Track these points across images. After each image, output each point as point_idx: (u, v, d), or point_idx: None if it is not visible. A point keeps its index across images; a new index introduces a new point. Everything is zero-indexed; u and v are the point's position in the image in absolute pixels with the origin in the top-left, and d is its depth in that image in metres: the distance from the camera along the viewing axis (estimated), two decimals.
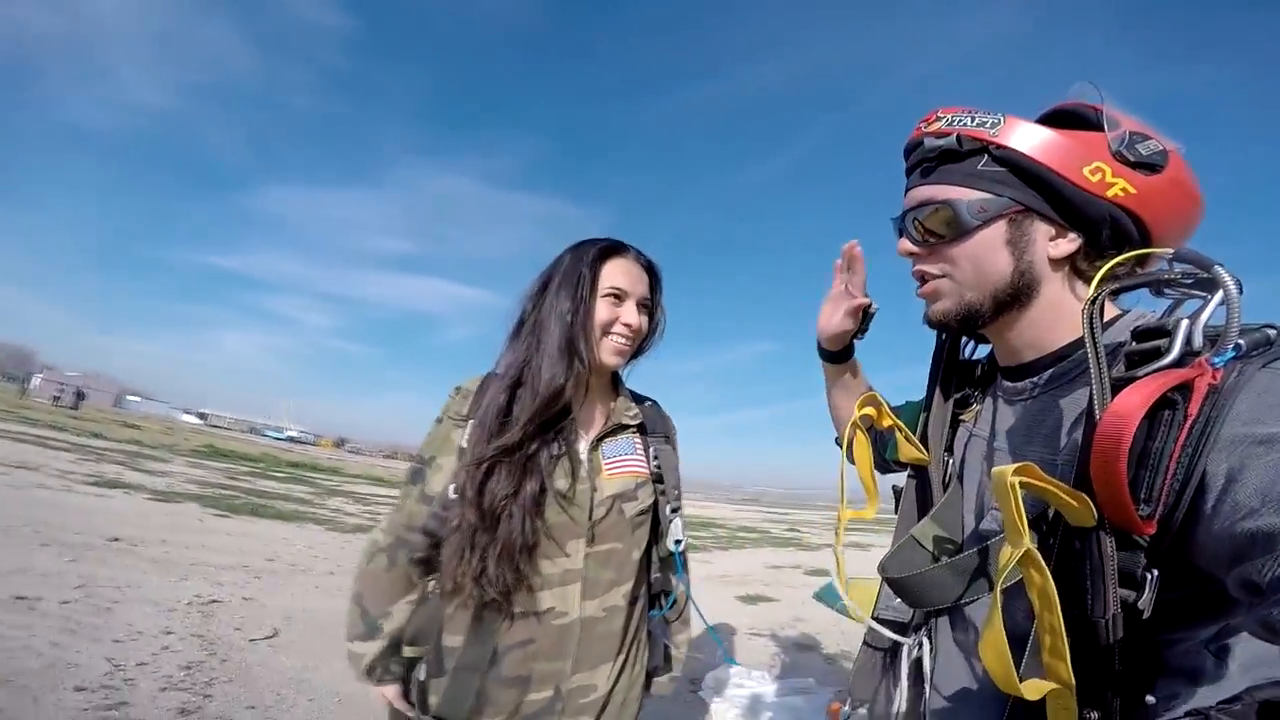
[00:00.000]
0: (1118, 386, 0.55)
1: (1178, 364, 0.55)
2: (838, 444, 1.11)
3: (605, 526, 1.22)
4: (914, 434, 0.88)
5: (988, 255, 0.72)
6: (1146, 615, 0.53)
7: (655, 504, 1.31)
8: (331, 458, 41.46)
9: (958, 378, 0.90)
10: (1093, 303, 0.61)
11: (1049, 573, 0.53)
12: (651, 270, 1.31)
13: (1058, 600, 0.52)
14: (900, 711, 0.80)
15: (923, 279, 0.79)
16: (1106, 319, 0.71)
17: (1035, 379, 0.75)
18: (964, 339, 0.91)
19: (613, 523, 1.23)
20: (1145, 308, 0.73)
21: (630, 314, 1.23)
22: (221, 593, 4.35)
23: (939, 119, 0.75)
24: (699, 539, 12.98)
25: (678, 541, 1.32)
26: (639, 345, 1.31)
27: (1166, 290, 0.64)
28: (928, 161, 0.76)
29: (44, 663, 2.69)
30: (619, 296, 1.23)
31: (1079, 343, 0.71)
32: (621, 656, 1.25)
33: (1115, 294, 0.68)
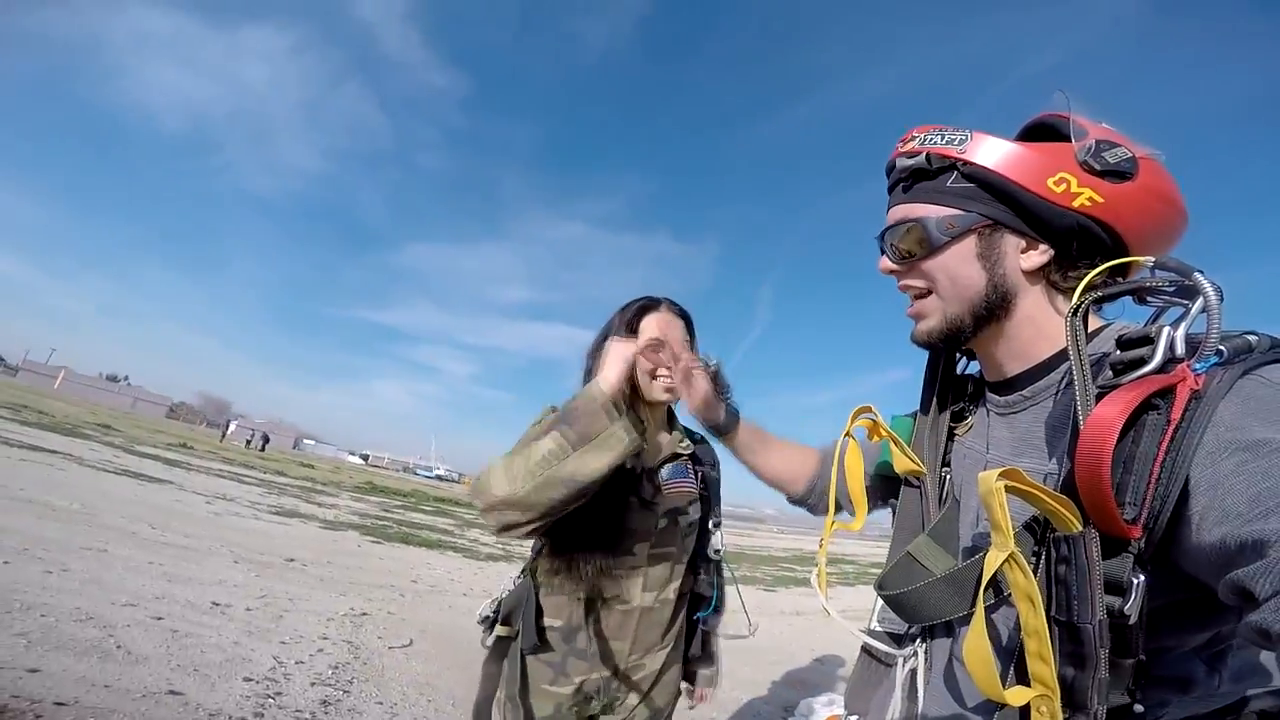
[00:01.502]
0: (1102, 394, 0.55)
1: (1160, 371, 0.55)
2: (796, 503, 1.24)
3: (665, 534, 1.43)
4: (909, 447, 0.88)
5: (960, 269, 0.73)
6: (1133, 621, 0.52)
7: (704, 518, 1.53)
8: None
9: (952, 392, 0.89)
10: (1074, 313, 0.61)
11: (1034, 576, 0.53)
12: (685, 316, 1.47)
13: (1042, 604, 0.52)
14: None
15: (911, 296, 0.80)
16: (1090, 329, 0.70)
17: (1023, 392, 0.74)
18: (956, 354, 0.91)
19: (670, 531, 1.44)
20: (1130, 319, 0.71)
21: (669, 355, 1.37)
22: (371, 607, 4.81)
23: (912, 138, 0.75)
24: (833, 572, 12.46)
25: (717, 551, 1.54)
26: None
27: (1149, 299, 0.64)
28: (903, 181, 0.77)
29: (225, 657, 3.15)
30: (657, 346, 1.38)
31: (1062, 354, 0.71)
32: (671, 643, 1.48)
33: (1098, 303, 0.68)
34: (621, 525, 1.37)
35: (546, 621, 1.40)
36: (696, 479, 1.53)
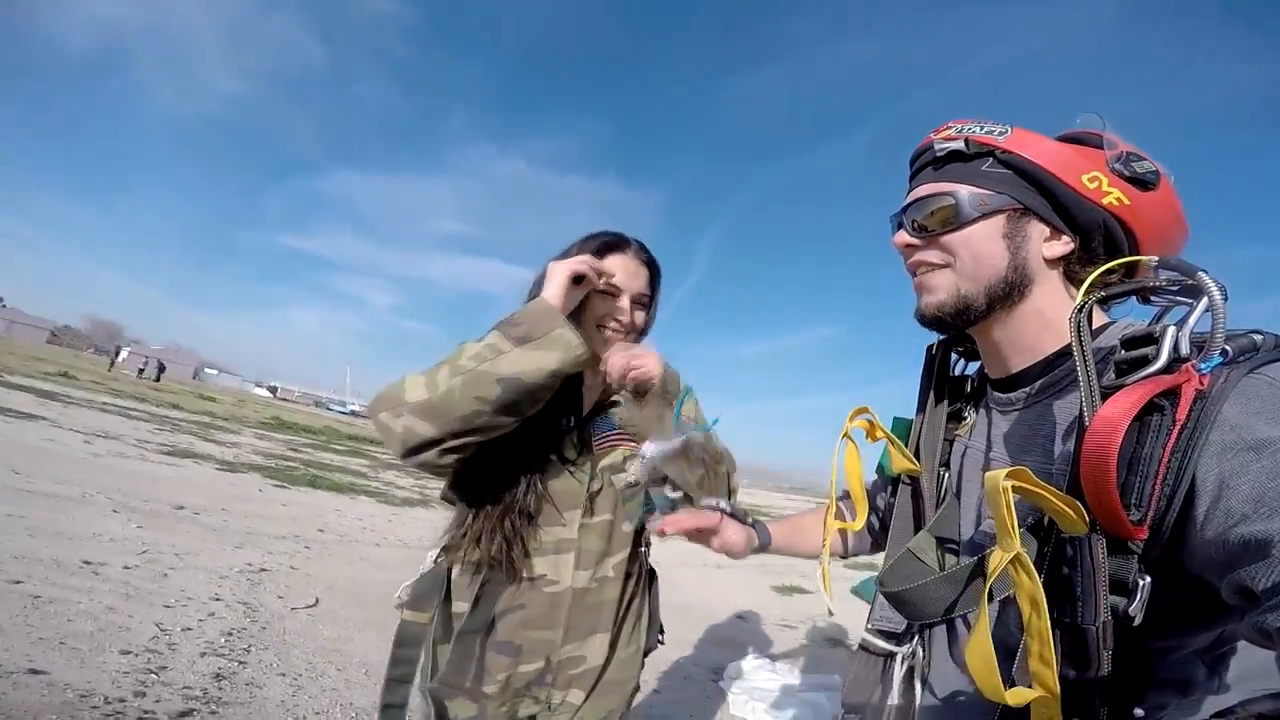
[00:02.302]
0: (1107, 394, 0.55)
1: (1165, 370, 0.55)
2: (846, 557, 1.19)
3: (597, 499, 1.22)
4: (907, 448, 0.90)
5: (984, 246, 0.73)
6: (1138, 622, 0.52)
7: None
8: None
9: (949, 393, 0.90)
10: (1080, 309, 0.61)
11: (1038, 578, 0.53)
12: (652, 266, 1.29)
13: (1046, 605, 0.52)
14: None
15: (916, 271, 0.80)
16: (1095, 326, 0.70)
17: (1027, 389, 0.75)
18: (954, 356, 0.92)
19: (604, 496, 1.23)
20: (1138, 317, 0.72)
21: (624, 310, 1.23)
22: (271, 561, 4.49)
23: (950, 128, 0.77)
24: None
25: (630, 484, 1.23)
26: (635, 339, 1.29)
27: (1153, 298, 0.65)
28: (934, 162, 0.78)
29: (97, 626, 2.79)
30: (613, 293, 1.22)
31: (1067, 350, 0.71)
32: (613, 630, 1.24)
33: (1103, 301, 0.69)
34: (542, 489, 1.19)
35: (456, 607, 1.20)
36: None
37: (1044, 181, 0.71)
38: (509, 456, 1.15)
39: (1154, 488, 0.52)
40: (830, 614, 0.93)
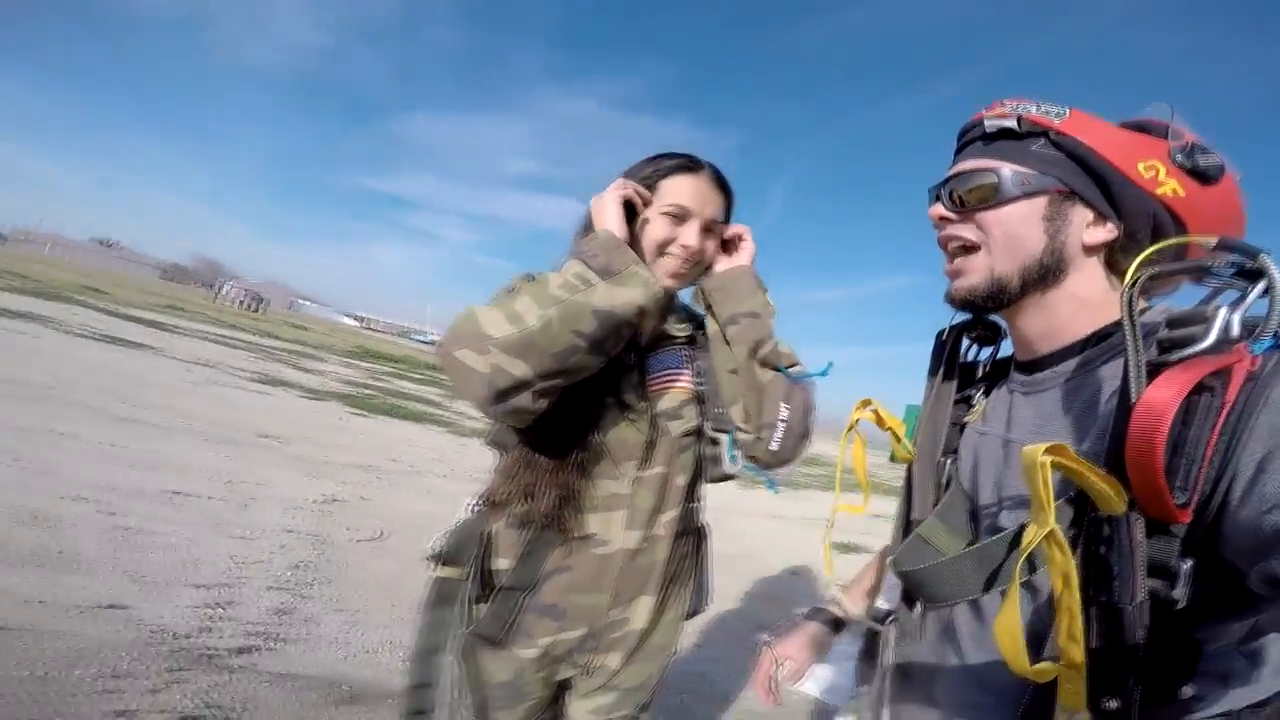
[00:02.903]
0: (1152, 372, 0.54)
1: (1214, 351, 0.53)
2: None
3: (653, 450, 1.12)
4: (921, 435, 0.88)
5: (1022, 226, 0.72)
6: (1181, 605, 0.52)
7: (700, 427, 1.18)
8: None
9: (959, 380, 0.87)
10: (1133, 285, 0.59)
11: (1071, 554, 0.51)
12: (728, 193, 1.16)
13: (1077, 581, 0.51)
14: (885, 699, 0.82)
15: (951, 250, 0.78)
16: (1138, 307, 0.65)
17: (1054, 369, 0.73)
18: (965, 342, 0.89)
19: (660, 445, 1.12)
20: (1172, 305, 0.70)
21: (690, 235, 1.10)
22: (344, 491, 4.69)
23: (1005, 105, 0.74)
24: (801, 476, 12.80)
25: (734, 461, 1.16)
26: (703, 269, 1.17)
27: (1207, 279, 0.61)
28: (985, 138, 0.76)
29: (175, 558, 2.96)
30: (680, 216, 1.10)
31: (1099, 335, 0.70)
32: (660, 594, 1.15)
33: (1152, 280, 0.63)
34: (601, 439, 1.08)
35: (499, 563, 1.11)
36: (690, 369, 1.19)
37: (1096, 166, 0.69)
38: (570, 401, 1.03)
39: (1200, 471, 0.51)
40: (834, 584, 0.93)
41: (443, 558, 1.13)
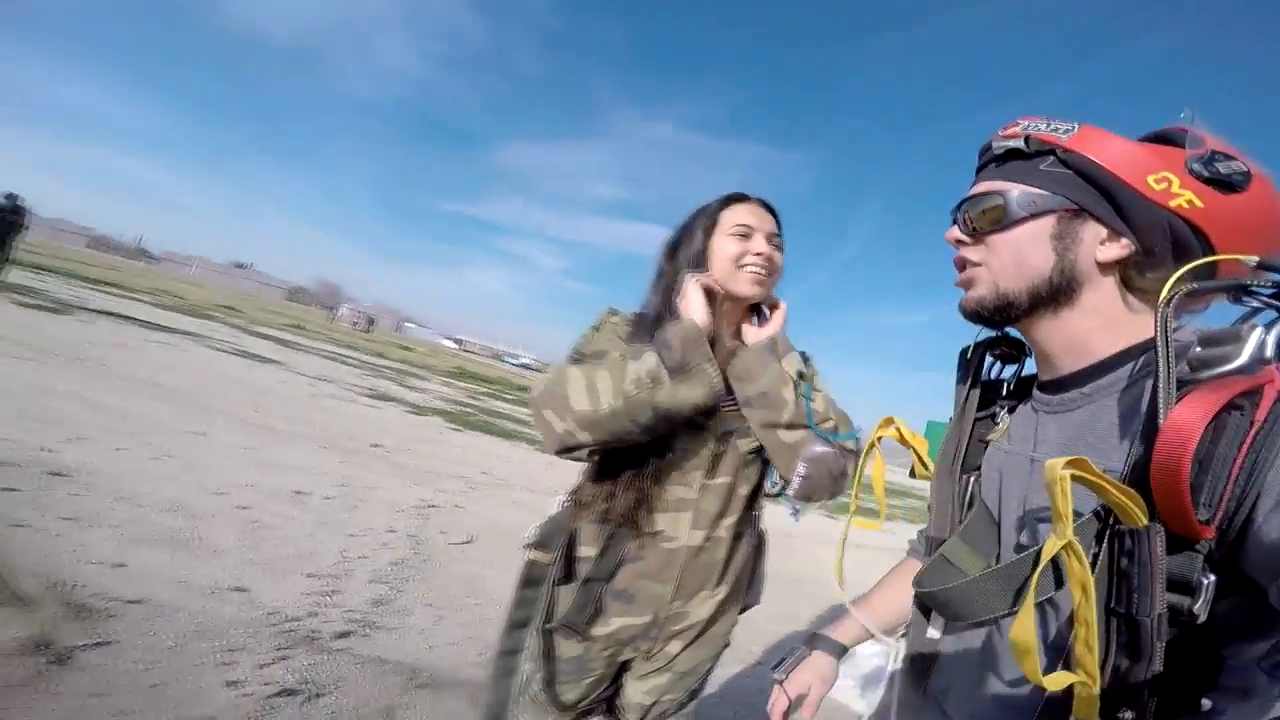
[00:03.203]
0: (1182, 390, 0.54)
1: (1245, 371, 0.53)
2: None
3: (719, 461, 1.23)
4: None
5: (1028, 246, 0.71)
6: (1202, 620, 0.51)
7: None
8: None
9: (982, 398, 0.87)
10: (1167, 302, 0.58)
11: (1088, 567, 0.52)
12: (774, 212, 1.29)
13: (1094, 592, 0.52)
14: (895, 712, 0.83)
15: (961, 266, 0.79)
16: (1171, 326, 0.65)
17: (1082, 389, 0.71)
18: (989, 360, 0.89)
19: (725, 458, 1.23)
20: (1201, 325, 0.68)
21: (759, 243, 1.23)
22: (440, 499, 4.98)
23: (1017, 125, 0.74)
24: (893, 509, 12.29)
25: (775, 484, 1.29)
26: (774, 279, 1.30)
27: (1244, 298, 0.60)
28: (995, 160, 0.76)
29: (295, 550, 3.27)
30: (745, 234, 1.23)
31: (1126, 354, 0.69)
32: (722, 590, 1.27)
33: (1189, 297, 0.62)
34: (671, 449, 1.21)
35: (582, 551, 1.26)
36: None
37: (1103, 182, 0.67)
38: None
39: (1225, 489, 0.51)
40: (848, 609, 0.96)
41: (536, 544, 1.29)
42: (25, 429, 3.90)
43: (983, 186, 0.76)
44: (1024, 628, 0.53)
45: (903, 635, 0.84)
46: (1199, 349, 0.57)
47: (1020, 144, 0.73)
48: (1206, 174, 0.64)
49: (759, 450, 1.25)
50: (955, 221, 0.79)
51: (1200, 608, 0.51)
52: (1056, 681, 0.52)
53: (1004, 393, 0.87)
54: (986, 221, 0.74)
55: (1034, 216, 0.71)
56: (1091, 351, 0.71)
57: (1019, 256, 0.72)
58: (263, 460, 4.72)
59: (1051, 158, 0.71)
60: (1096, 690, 0.52)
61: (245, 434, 5.34)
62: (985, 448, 0.84)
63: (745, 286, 1.22)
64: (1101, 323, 0.71)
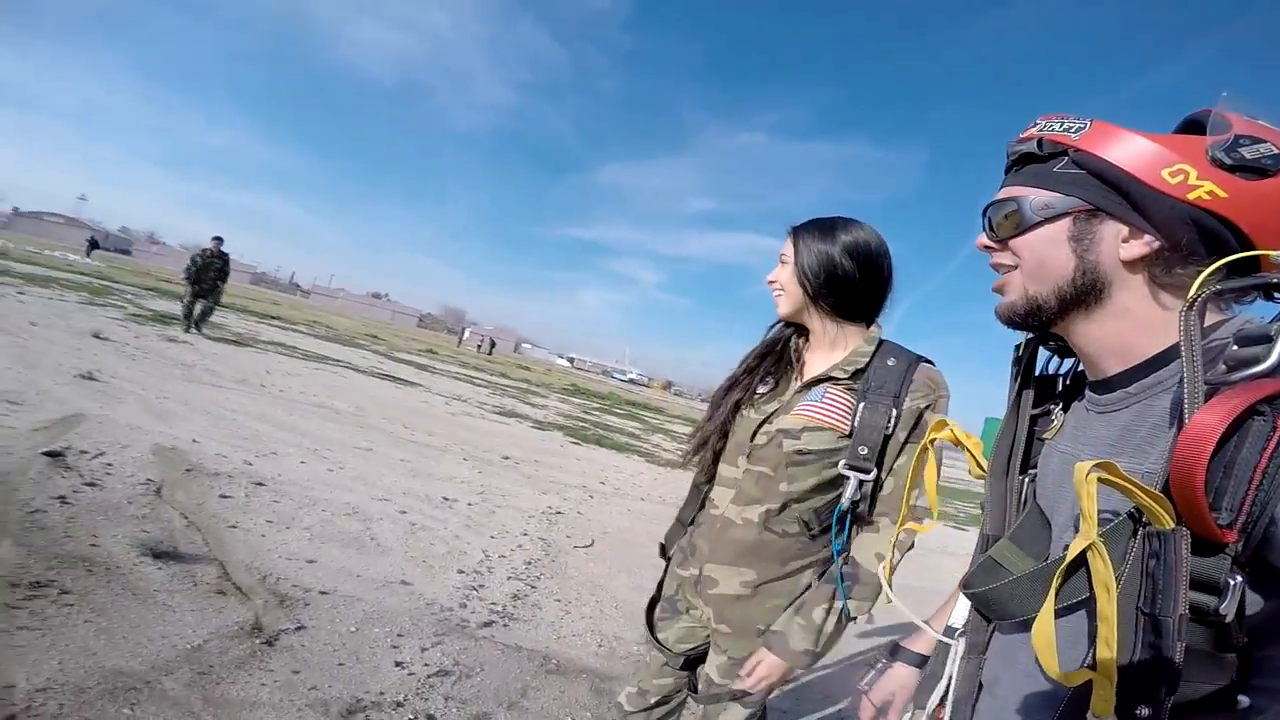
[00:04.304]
0: (1214, 392, 0.52)
1: (1274, 374, 0.51)
2: None
3: (764, 452, 1.31)
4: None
5: (1048, 250, 0.69)
6: (1228, 620, 0.50)
7: (816, 451, 1.26)
8: (660, 399, 45.67)
9: (1037, 393, 0.83)
10: (1190, 307, 0.56)
11: (1112, 566, 0.52)
12: (794, 231, 1.38)
13: (1115, 591, 0.51)
14: (947, 713, 0.81)
15: (997, 272, 0.77)
16: (1208, 323, 0.63)
17: (1127, 389, 0.68)
18: (1045, 353, 0.85)
19: (770, 451, 1.30)
20: (1256, 316, 0.64)
21: (772, 273, 1.40)
22: (565, 506, 5.27)
23: (1034, 126, 0.72)
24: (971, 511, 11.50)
25: (855, 501, 1.22)
26: (839, 299, 1.32)
27: (1277, 295, 0.59)
28: (1015, 165, 0.74)
29: (447, 549, 3.62)
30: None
31: (1169, 353, 0.65)
32: (749, 573, 1.29)
33: (1220, 297, 0.61)
34: (729, 423, 1.40)
35: (685, 508, 1.51)
36: (842, 408, 1.25)
37: (1116, 180, 0.64)
38: (725, 398, 1.42)
39: (1248, 494, 0.50)
40: (889, 601, 0.96)
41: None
42: (234, 446, 4.54)
43: (1002, 193, 0.74)
44: (1044, 625, 0.53)
45: (961, 634, 0.82)
46: (1235, 348, 0.55)
47: (1033, 147, 0.71)
48: (1229, 161, 0.60)
49: (810, 454, 1.25)
50: (983, 227, 0.77)
51: (1226, 608, 0.50)
52: (1075, 677, 0.53)
53: (1059, 388, 0.83)
54: (1007, 228, 0.73)
55: (1048, 221, 0.69)
56: (1133, 352, 0.68)
57: (1040, 260, 0.70)
58: (416, 470, 5.20)
59: (1065, 158, 0.68)
60: (1114, 686, 0.51)
61: (400, 448, 5.90)
62: (1043, 445, 0.80)
63: (779, 306, 1.40)
64: (1138, 322, 0.67)
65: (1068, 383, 0.83)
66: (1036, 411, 0.82)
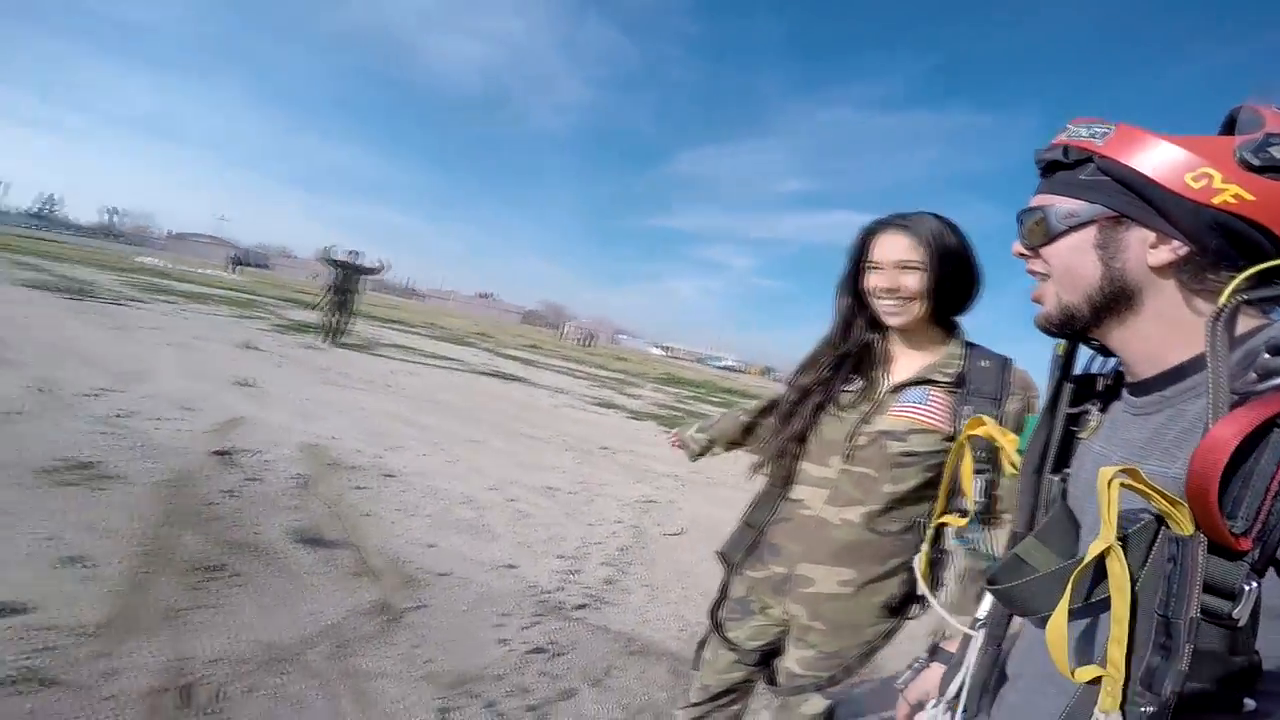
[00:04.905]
0: (1237, 402, 0.52)
1: None
2: None
3: (865, 453, 1.30)
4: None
5: (1075, 258, 0.68)
6: (1242, 624, 0.50)
7: (921, 452, 1.27)
8: (758, 385, 45.00)
9: (1077, 391, 0.80)
10: (1216, 318, 0.55)
11: (1127, 569, 0.53)
12: (917, 233, 1.28)
13: (1129, 592, 0.52)
14: (961, 699, 0.82)
15: (1035, 280, 0.76)
16: (1247, 329, 0.61)
17: (1162, 393, 0.66)
18: (1088, 351, 0.82)
19: (872, 453, 1.29)
20: None
21: (883, 279, 1.30)
22: (657, 495, 5.39)
23: (1063, 132, 0.70)
24: None
25: (978, 502, 1.21)
26: (949, 302, 1.32)
27: None
28: (1045, 173, 0.73)
29: (548, 535, 3.83)
30: (878, 267, 1.31)
31: (1203, 358, 0.62)
32: (848, 572, 1.31)
33: (1255, 305, 0.59)
34: (814, 434, 1.36)
35: (754, 510, 1.47)
36: (945, 411, 1.27)
37: (1139, 186, 0.62)
38: (800, 406, 1.38)
39: (1265, 503, 0.49)
40: (921, 601, 0.98)
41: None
42: (367, 441, 5.01)
43: (1034, 200, 0.73)
44: (1057, 623, 0.54)
45: (981, 626, 0.83)
46: (1266, 357, 0.53)
47: (1059, 155, 0.69)
48: (1257, 162, 0.57)
49: (913, 455, 1.26)
50: (1018, 234, 0.76)
51: (1239, 612, 0.50)
52: (1084, 674, 0.54)
53: (1099, 388, 0.81)
54: (1036, 236, 0.71)
55: (1074, 229, 0.68)
56: (1167, 357, 0.66)
57: (1068, 268, 0.69)
58: (522, 461, 5.50)
59: (1090, 165, 0.67)
60: (1120, 684, 0.52)
61: (508, 440, 6.25)
62: (1078, 445, 0.79)
63: (883, 317, 1.31)
64: (1172, 327, 0.65)
65: (1109, 382, 0.80)
66: (1075, 410, 0.80)
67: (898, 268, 1.28)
